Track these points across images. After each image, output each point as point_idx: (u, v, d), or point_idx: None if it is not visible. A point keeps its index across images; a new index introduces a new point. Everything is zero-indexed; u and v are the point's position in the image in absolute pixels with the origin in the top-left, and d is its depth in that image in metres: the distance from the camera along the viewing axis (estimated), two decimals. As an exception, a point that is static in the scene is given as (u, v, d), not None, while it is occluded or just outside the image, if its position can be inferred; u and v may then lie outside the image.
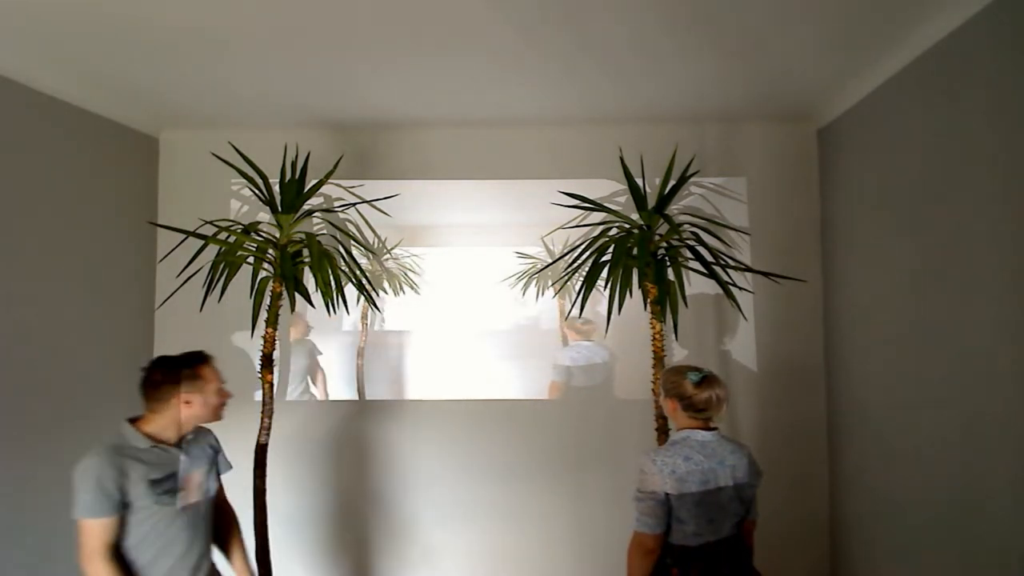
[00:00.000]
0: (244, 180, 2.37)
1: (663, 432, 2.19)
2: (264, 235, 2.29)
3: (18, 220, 2.10)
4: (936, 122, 1.88)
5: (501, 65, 2.15)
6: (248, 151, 2.43)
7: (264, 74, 2.21)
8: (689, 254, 2.27)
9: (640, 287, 2.24)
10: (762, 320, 2.72)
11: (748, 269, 2.40)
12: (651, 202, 2.36)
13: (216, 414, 1.65)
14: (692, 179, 2.59)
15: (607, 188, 2.72)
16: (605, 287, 2.22)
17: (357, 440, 2.82)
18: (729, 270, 2.28)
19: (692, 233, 2.30)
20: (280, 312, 2.21)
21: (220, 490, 1.77)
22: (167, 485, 1.54)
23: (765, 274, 2.28)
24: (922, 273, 1.96)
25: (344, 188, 2.63)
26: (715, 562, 1.65)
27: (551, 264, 2.74)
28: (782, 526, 2.59)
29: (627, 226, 2.34)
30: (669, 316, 2.17)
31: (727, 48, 2.02)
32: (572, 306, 2.47)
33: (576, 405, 2.83)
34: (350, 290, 2.36)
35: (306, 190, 2.36)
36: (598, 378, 2.87)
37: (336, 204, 2.66)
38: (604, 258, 2.26)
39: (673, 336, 2.31)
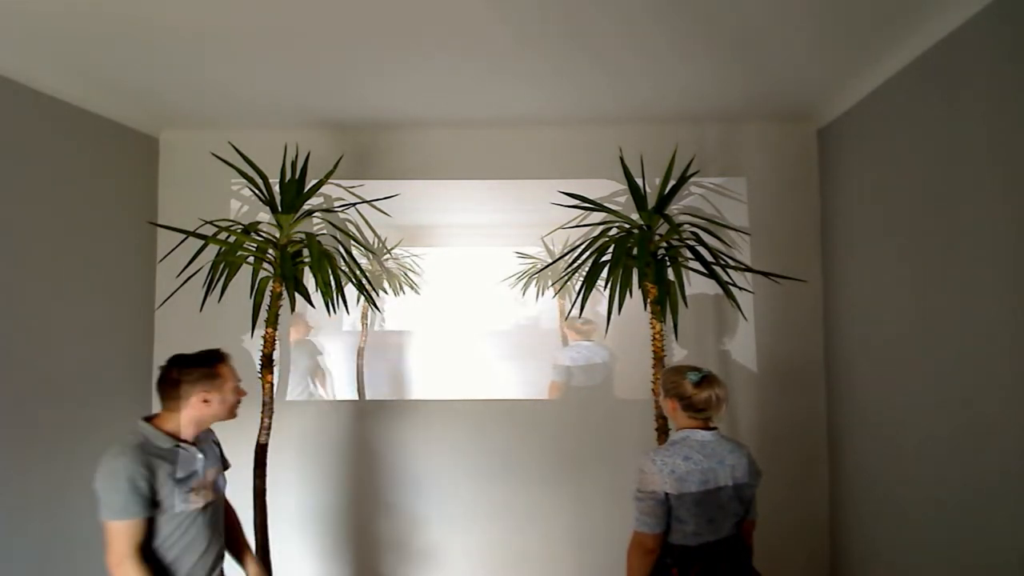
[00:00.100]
0: (244, 180, 2.37)
1: (663, 432, 2.19)
2: (264, 235, 2.30)
3: (18, 220, 2.10)
4: (936, 122, 1.87)
5: (501, 65, 2.15)
6: (248, 151, 2.43)
7: (264, 74, 2.21)
8: (689, 254, 2.27)
9: (640, 287, 2.24)
10: (762, 320, 2.72)
11: (748, 269, 2.40)
12: (651, 202, 2.36)
13: (232, 412, 1.66)
14: (692, 179, 2.59)
15: (607, 188, 2.72)
16: (605, 287, 2.22)
17: (357, 440, 2.82)
18: (729, 270, 2.28)
19: (692, 233, 2.30)
20: (280, 312, 2.21)
21: (223, 488, 1.77)
22: (191, 484, 1.55)
23: (765, 274, 2.28)
24: (922, 273, 1.96)
25: (344, 188, 2.63)
26: (715, 562, 1.65)
27: (551, 264, 2.74)
28: (782, 526, 2.59)
29: (627, 226, 2.34)
30: (669, 316, 2.18)
31: (727, 48, 2.02)
32: (572, 306, 2.47)
33: (576, 405, 2.83)
34: (350, 290, 2.37)
35: (306, 190, 2.37)
36: (598, 378, 2.87)
37: (336, 204, 2.66)
38: (604, 258, 2.26)
39: (673, 336, 2.31)
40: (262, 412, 2.16)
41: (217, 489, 1.67)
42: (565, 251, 2.49)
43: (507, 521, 2.78)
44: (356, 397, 2.93)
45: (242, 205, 2.82)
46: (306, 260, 2.26)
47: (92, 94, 2.37)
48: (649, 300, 2.21)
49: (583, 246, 2.34)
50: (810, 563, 2.67)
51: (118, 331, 2.60)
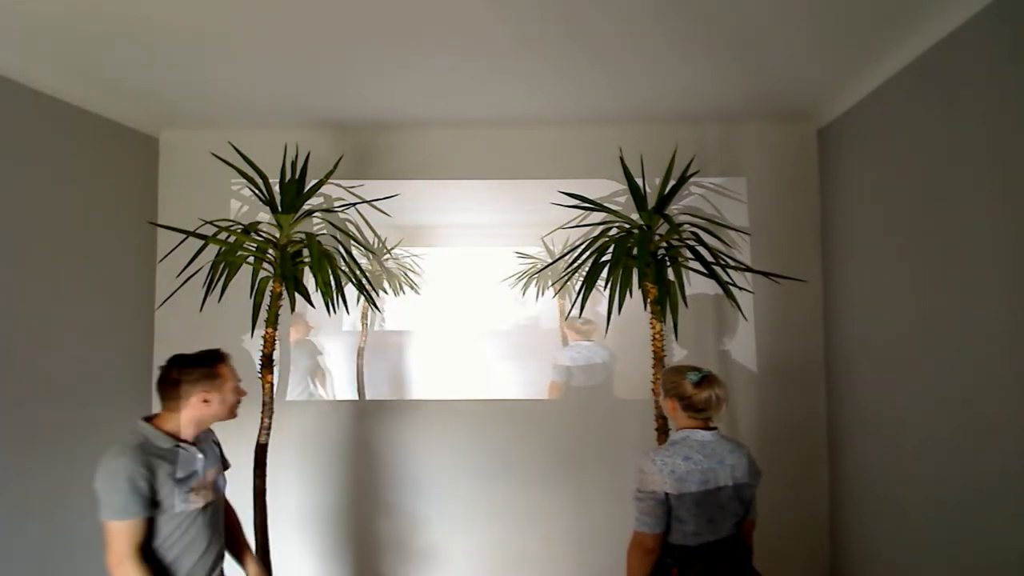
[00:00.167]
0: (244, 180, 2.37)
1: (663, 432, 2.19)
2: (264, 235, 2.30)
3: (18, 220, 2.10)
4: (936, 122, 1.87)
5: (501, 65, 2.15)
6: (248, 151, 2.43)
7: (264, 74, 2.21)
8: (689, 254, 2.27)
9: (640, 287, 2.24)
10: (762, 320, 2.72)
11: (748, 269, 2.40)
12: (651, 202, 2.36)
13: (232, 412, 1.66)
14: (692, 179, 2.59)
15: (607, 188, 2.72)
16: (605, 287, 2.22)
17: (357, 440, 2.82)
18: (729, 270, 2.28)
19: (692, 233, 2.30)
20: (280, 312, 2.21)
21: (223, 488, 1.77)
22: (191, 484, 1.55)
23: (765, 274, 2.28)
24: (922, 273, 1.96)
25: (344, 188, 2.63)
26: (714, 562, 1.65)
27: (551, 264, 2.74)
28: (782, 526, 2.59)
29: (627, 226, 2.34)
30: (669, 316, 2.18)
31: (727, 48, 2.02)
32: (572, 306, 2.47)
33: (576, 405, 2.83)
34: (350, 290, 2.37)
35: (306, 190, 2.37)
36: (598, 378, 2.87)
37: (336, 204, 2.66)
38: (604, 258, 2.26)
39: (673, 336, 2.31)
40: (262, 412, 2.16)
41: (217, 489, 1.67)
42: (565, 251, 2.49)
43: (507, 521, 2.78)
44: (356, 397, 2.93)
45: (242, 205, 2.82)
46: (306, 260, 2.26)
47: (92, 94, 2.37)
48: (649, 300, 2.21)
49: (583, 246, 2.34)
50: (810, 563, 2.67)
51: (118, 331, 2.60)
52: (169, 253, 2.37)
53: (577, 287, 2.29)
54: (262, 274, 2.25)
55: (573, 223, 2.58)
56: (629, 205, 2.47)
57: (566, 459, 2.77)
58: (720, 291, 2.26)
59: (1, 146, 2.04)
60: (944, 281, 1.85)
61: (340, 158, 2.58)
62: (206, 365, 1.60)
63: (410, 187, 2.80)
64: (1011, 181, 1.57)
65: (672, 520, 1.64)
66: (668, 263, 2.21)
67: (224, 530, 1.74)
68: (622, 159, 2.43)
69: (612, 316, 2.15)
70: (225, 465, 1.78)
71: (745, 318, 2.65)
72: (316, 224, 2.73)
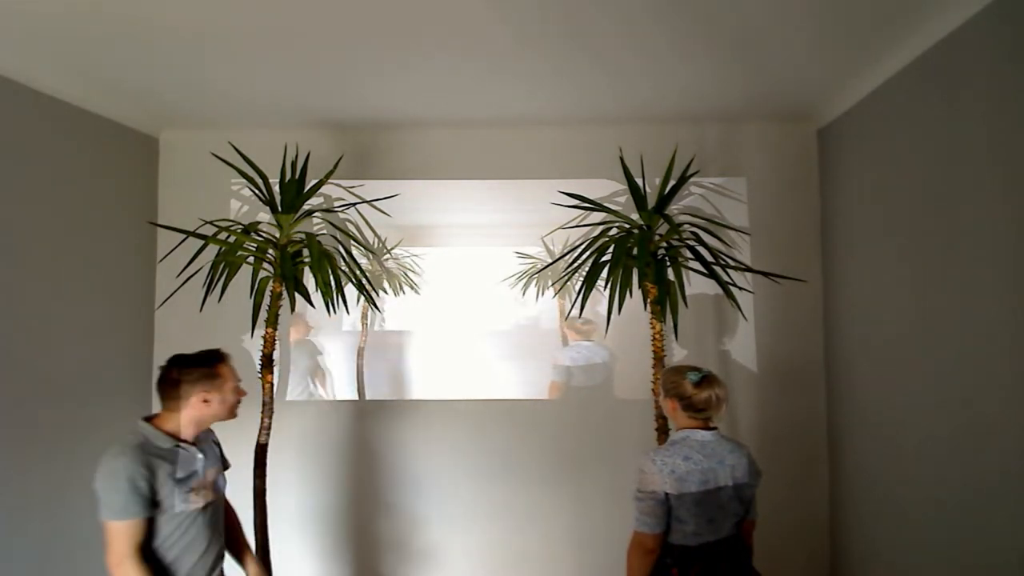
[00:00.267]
0: (244, 180, 2.37)
1: (663, 432, 2.19)
2: (264, 235, 2.30)
3: (18, 220, 2.10)
4: (936, 122, 1.87)
5: (501, 65, 2.15)
6: (248, 151, 2.43)
7: (264, 74, 2.21)
8: (689, 254, 2.27)
9: (640, 287, 2.24)
10: (762, 320, 2.72)
11: (748, 269, 2.40)
12: (651, 202, 2.36)
13: (232, 412, 1.66)
14: (692, 179, 2.59)
15: (607, 188, 2.72)
16: (605, 287, 2.22)
17: (357, 440, 2.82)
18: (729, 270, 2.28)
19: (692, 233, 2.30)
20: (280, 312, 2.21)
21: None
22: (191, 484, 1.55)
23: (765, 274, 2.28)
24: (922, 273, 1.96)
25: (344, 188, 2.63)
26: (714, 562, 1.65)
27: (551, 264, 2.74)
28: (782, 526, 2.59)
29: (627, 226, 2.34)
30: (669, 316, 2.18)
31: (727, 48, 2.02)
32: (572, 306, 2.47)
33: (576, 405, 2.83)
34: (350, 290, 2.37)
35: (306, 190, 2.37)
36: (598, 378, 2.88)
37: (336, 204, 2.66)
38: (604, 258, 2.27)
39: (673, 336, 2.31)
40: (262, 412, 2.16)
41: (217, 489, 1.67)
42: (565, 251, 2.49)
43: (507, 521, 2.78)
44: (356, 397, 2.93)
45: (242, 205, 2.82)
46: (306, 260, 2.26)
47: (92, 94, 2.37)
48: (649, 300, 2.21)
49: (583, 246, 2.34)
50: (810, 563, 2.67)
51: (118, 331, 2.60)
52: (169, 253, 2.37)
53: (577, 287, 2.29)
54: (262, 274, 2.25)
55: (573, 223, 2.58)
56: (629, 205, 2.47)
57: (566, 459, 2.77)
58: (720, 291, 2.26)
59: (1, 146, 2.04)
60: (944, 281, 1.85)
61: (340, 158, 2.58)
62: (206, 365, 1.61)
63: (410, 187, 2.80)
64: (1011, 181, 1.57)
65: (672, 520, 1.64)
66: (668, 263, 2.21)
67: (224, 530, 1.73)
68: (622, 159, 2.43)
69: (612, 316, 2.15)
70: (225, 465, 1.78)
71: (745, 318, 2.65)
72: (316, 224, 2.74)
